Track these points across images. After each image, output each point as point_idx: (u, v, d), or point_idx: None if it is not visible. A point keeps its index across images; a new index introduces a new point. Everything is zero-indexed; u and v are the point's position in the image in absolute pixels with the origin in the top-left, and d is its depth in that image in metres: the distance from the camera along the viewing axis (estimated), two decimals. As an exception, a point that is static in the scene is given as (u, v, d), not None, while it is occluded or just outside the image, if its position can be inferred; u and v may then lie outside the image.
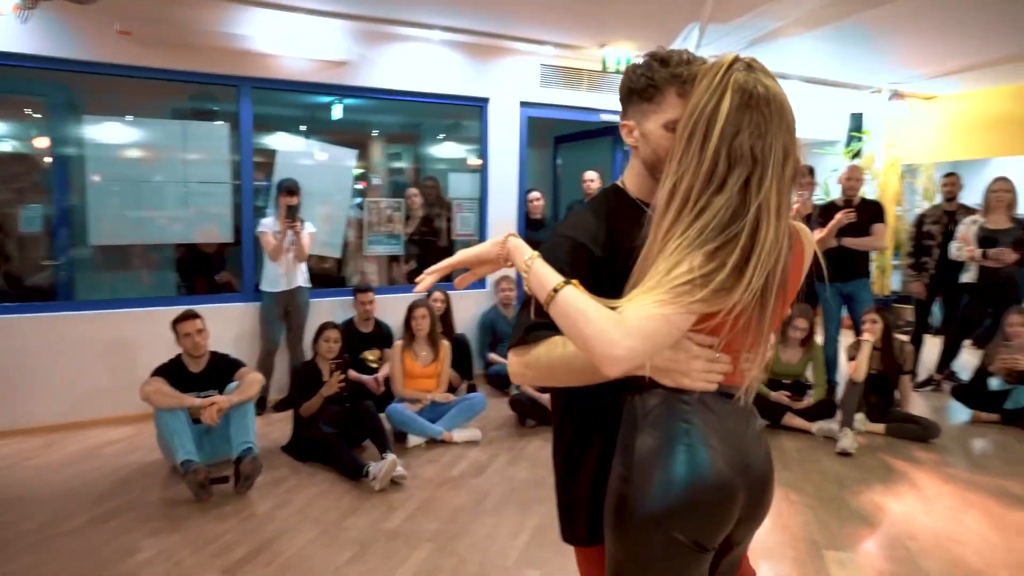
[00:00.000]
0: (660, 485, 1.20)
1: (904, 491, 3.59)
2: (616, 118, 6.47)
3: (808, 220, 5.22)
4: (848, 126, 8.52)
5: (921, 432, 4.37)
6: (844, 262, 5.10)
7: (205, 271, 5.53)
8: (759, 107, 1.19)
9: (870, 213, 5.11)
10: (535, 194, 6.31)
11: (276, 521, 3.26)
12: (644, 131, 1.40)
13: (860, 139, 8.18)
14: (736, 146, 1.18)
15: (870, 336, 4.49)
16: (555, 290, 1.17)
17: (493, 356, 5.72)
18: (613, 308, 1.13)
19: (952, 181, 5.75)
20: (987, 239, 5.22)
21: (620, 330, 1.08)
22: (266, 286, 4.99)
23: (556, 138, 7.64)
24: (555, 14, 5.22)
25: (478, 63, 5.86)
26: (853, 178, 5.20)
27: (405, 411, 4.31)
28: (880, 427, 4.48)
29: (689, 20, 5.36)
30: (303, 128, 6.13)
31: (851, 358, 4.58)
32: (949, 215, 5.67)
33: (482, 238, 6.13)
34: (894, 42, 6.13)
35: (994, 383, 4.83)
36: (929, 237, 5.68)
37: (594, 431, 1.41)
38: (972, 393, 4.90)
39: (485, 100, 5.97)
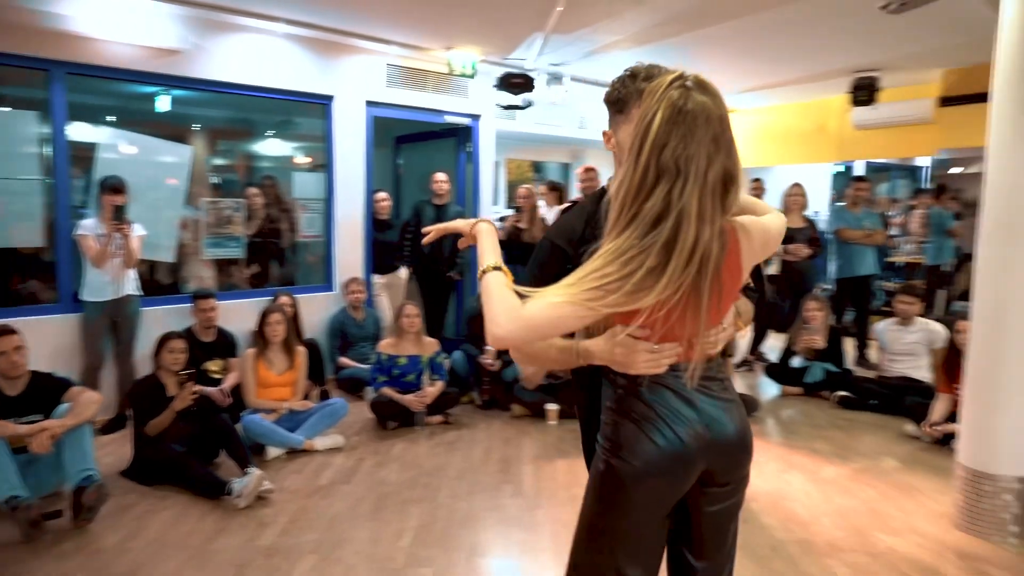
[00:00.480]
0: (628, 457, 1.43)
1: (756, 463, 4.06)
2: (459, 120, 6.68)
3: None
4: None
5: (747, 407, 4.93)
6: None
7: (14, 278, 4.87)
8: (685, 121, 1.31)
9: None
10: (382, 194, 6.25)
11: (131, 553, 2.98)
12: (618, 140, 1.58)
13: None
14: (663, 158, 1.31)
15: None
16: (483, 271, 1.39)
17: (344, 360, 5.59)
18: (525, 296, 1.30)
19: (757, 186, 6.53)
20: (786, 237, 5.98)
21: (509, 315, 1.29)
22: (88, 295, 4.49)
23: (397, 138, 7.59)
24: (402, 15, 5.22)
25: (323, 60, 5.69)
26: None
27: (263, 422, 4.10)
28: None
29: (534, 29, 5.60)
30: (128, 120, 5.57)
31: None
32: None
33: (329, 240, 5.96)
34: (707, 61, 6.82)
35: (796, 361, 5.56)
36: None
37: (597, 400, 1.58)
38: (779, 371, 5.62)
39: (330, 98, 5.81)
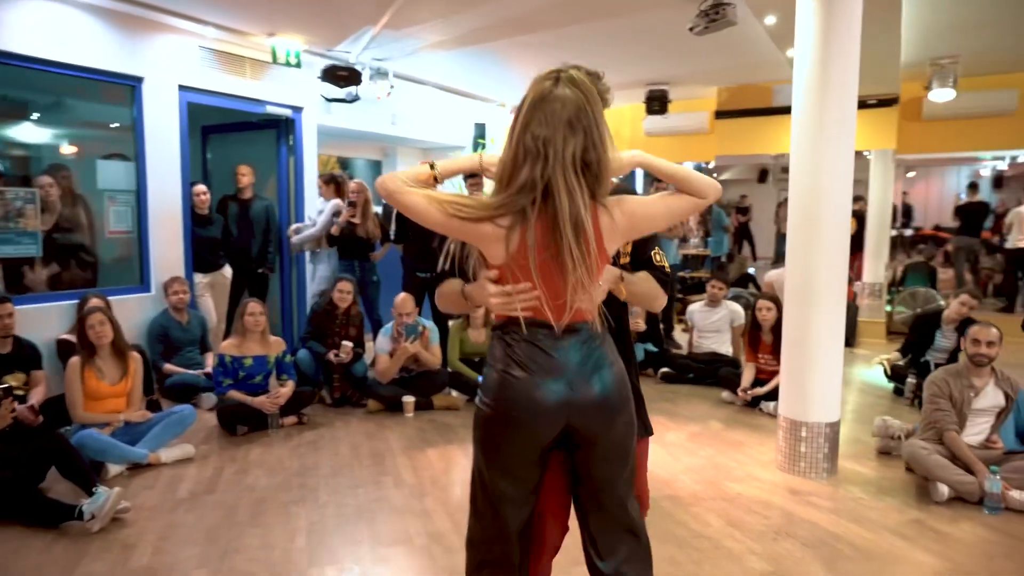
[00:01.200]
0: (488, 400, 1.63)
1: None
2: (281, 111, 6.37)
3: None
4: (473, 134, 9.66)
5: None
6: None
7: None
8: (544, 107, 1.54)
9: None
10: (200, 187, 5.77)
11: (-34, 597, 2.52)
12: None
13: (484, 146, 9.36)
14: (526, 139, 1.54)
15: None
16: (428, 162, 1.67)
17: (170, 367, 5.09)
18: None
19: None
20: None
21: (392, 181, 1.60)
22: None
23: (204, 128, 7.00)
24: (223, -7, 4.89)
25: (131, 37, 5.12)
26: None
27: (101, 437, 3.63)
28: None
29: (366, 22, 5.54)
30: None
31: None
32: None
33: (143, 236, 5.37)
34: (519, 67, 7.21)
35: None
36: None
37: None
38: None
39: (139, 80, 5.24)
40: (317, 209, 6.34)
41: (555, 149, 1.53)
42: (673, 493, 3.51)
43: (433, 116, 9.17)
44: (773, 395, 4.85)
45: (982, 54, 6.39)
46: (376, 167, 10.81)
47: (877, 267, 10.70)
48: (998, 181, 18.96)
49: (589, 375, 1.60)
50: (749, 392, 4.99)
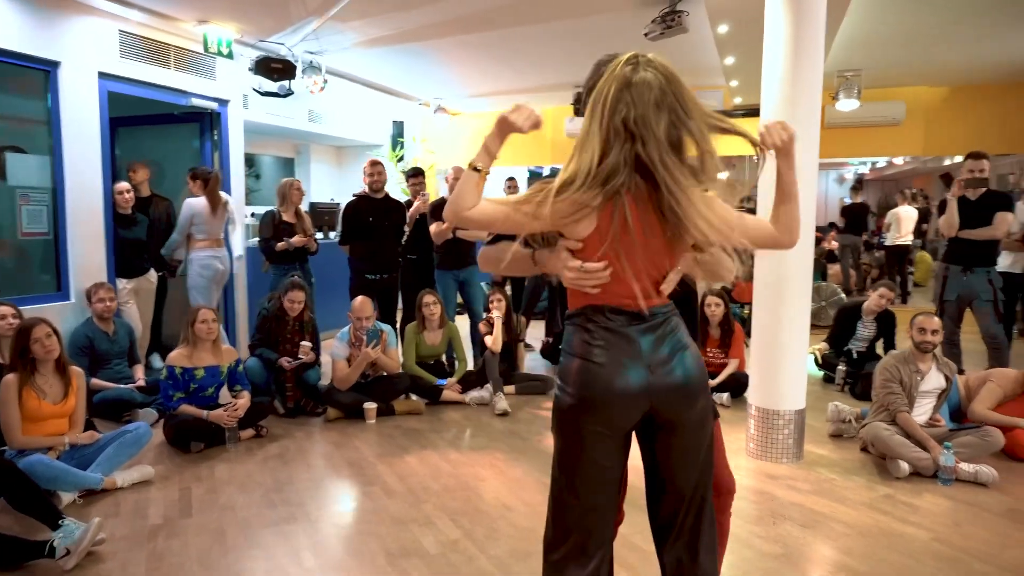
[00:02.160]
0: (569, 388, 1.64)
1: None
2: (207, 104, 5.96)
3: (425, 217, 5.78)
4: (392, 132, 9.49)
5: (543, 387, 5.40)
6: (458, 251, 5.84)
7: None
8: (631, 90, 1.55)
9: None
10: (123, 185, 5.30)
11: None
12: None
13: (403, 144, 9.22)
14: (615, 121, 1.55)
15: (498, 312, 5.31)
16: (470, 165, 1.66)
17: (97, 381, 4.64)
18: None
19: (513, 184, 7.08)
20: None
21: (450, 207, 1.63)
22: None
23: (113, 120, 6.41)
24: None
25: (45, 17, 4.63)
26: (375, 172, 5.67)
27: (53, 463, 3.26)
28: (511, 388, 5.33)
29: (311, 14, 5.30)
30: None
31: (485, 333, 5.32)
32: (513, 212, 6.98)
33: (60, 237, 4.86)
34: (457, 65, 7.18)
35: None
36: (501, 230, 6.88)
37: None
38: (555, 350, 6.22)
39: (55, 64, 4.75)
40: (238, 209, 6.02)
41: (650, 129, 1.54)
42: (664, 485, 3.61)
43: (352, 113, 8.91)
44: (723, 387, 5.12)
45: (880, 69, 7.01)
46: (287, 165, 10.35)
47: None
48: (859, 183, 20.82)
49: (669, 359, 1.63)
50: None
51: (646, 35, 4.88)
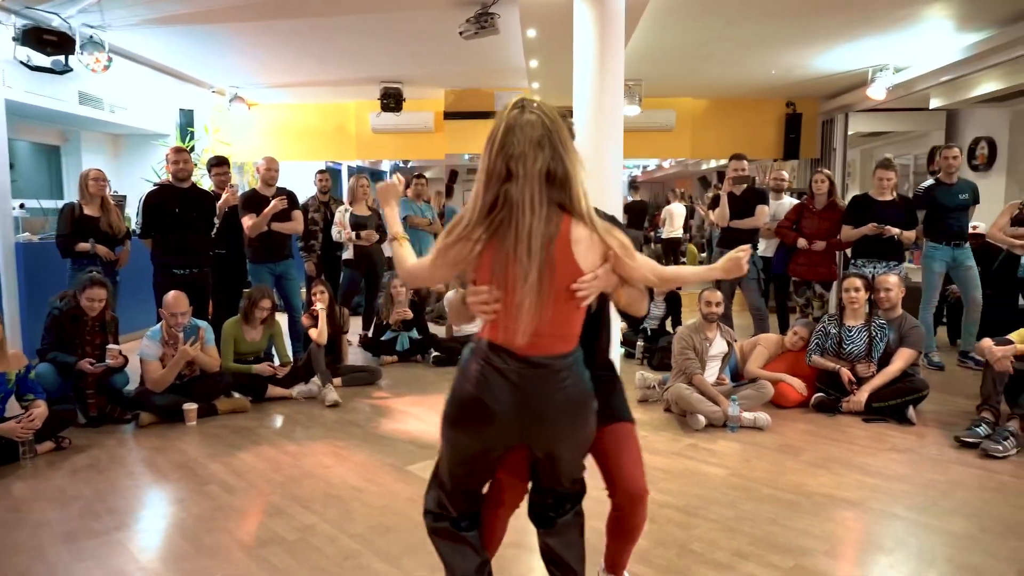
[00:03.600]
0: (453, 405, 1.82)
1: (399, 416, 4.54)
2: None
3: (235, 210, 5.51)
4: (179, 121, 8.84)
5: (370, 377, 5.41)
6: (274, 244, 5.64)
7: None
8: (515, 132, 1.70)
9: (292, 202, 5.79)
10: None
11: None
12: None
13: (193, 134, 8.62)
14: (498, 162, 1.70)
15: (322, 304, 5.23)
16: (393, 238, 2.05)
17: None
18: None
19: (325, 178, 6.95)
20: (358, 224, 6.60)
21: (403, 271, 1.98)
22: None
23: None
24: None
25: None
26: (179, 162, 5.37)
27: None
28: (338, 380, 5.28)
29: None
30: None
31: (309, 326, 5.21)
32: (325, 205, 6.85)
33: None
34: (255, 51, 6.86)
35: (388, 335, 6.25)
36: (314, 223, 6.72)
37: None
38: (374, 343, 6.23)
39: None
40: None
41: (524, 167, 1.68)
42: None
43: (133, 98, 8.16)
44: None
45: (657, 80, 7.92)
46: (51, 154, 9.13)
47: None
48: (633, 184, 22.98)
49: (552, 410, 1.76)
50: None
51: (461, 34, 5.10)
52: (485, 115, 8.45)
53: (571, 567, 2.00)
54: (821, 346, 4.73)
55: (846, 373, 4.55)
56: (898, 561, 2.67)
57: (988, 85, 6.60)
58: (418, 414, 4.62)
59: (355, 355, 6.33)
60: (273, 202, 5.43)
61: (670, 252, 11.41)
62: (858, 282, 4.69)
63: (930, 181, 5.86)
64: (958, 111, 8.00)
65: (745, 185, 5.98)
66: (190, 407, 4.37)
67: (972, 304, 5.62)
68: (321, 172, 7.05)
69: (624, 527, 2.15)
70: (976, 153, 7.93)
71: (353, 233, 6.45)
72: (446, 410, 1.84)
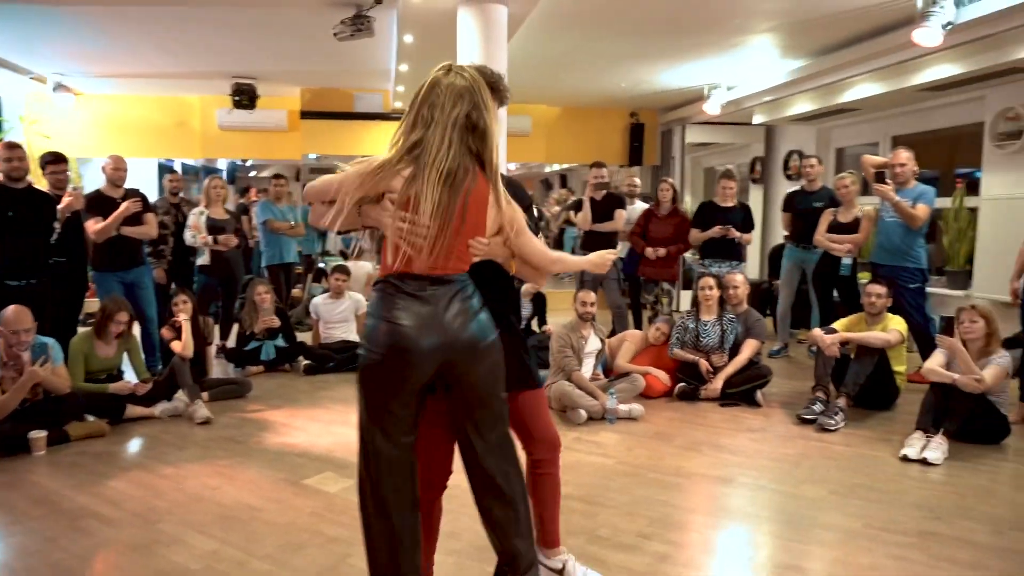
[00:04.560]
0: (369, 345, 1.90)
1: (280, 429, 4.37)
2: None
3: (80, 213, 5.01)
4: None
5: (239, 389, 5.14)
6: (124, 250, 5.20)
7: None
8: (437, 89, 1.92)
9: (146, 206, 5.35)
10: None
11: None
12: None
13: (2, 126, 7.69)
14: (422, 111, 1.91)
15: (185, 315, 4.90)
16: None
17: None
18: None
19: (177, 178, 6.47)
20: (215, 227, 6.22)
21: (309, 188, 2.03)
22: None
23: None
24: None
25: None
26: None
27: None
28: (205, 395, 4.95)
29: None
30: None
31: (171, 339, 4.86)
32: (176, 207, 6.38)
33: None
34: (99, 36, 6.24)
35: (253, 345, 5.95)
36: (165, 227, 6.23)
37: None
38: (237, 354, 5.91)
39: None
40: None
41: (444, 113, 1.88)
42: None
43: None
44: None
45: (516, 87, 8.16)
46: None
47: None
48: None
49: (461, 323, 1.91)
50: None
51: (335, 35, 5.00)
52: (344, 116, 8.27)
53: (514, 498, 2.05)
54: (681, 340, 5.19)
55: (704, 364, 5.03)
56: (775, 526, 3.05)
57: (802, 106, 7.52)
58: (300, 425, 4.48)
59: (216, 367, 5.97)
60: (125, 204, 5.00)
61: (554, 246, 11.78)
62: (712, 281, 5.20)
63: (794, 187, 6.54)
64: (775, 127, 9.02)
65: (605, 191, 6.37)
66: (38, 435, 3.92)
67: (813, 301, 6.35)
68: (172, 172, 6.56)
69: (550, 482, 2.32)
70: (789, 164, 8.99)
71: (210, 237, 6.08)
72: (364, 360, 1.90)
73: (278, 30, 5.98)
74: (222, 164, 14.73)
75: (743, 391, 4.93)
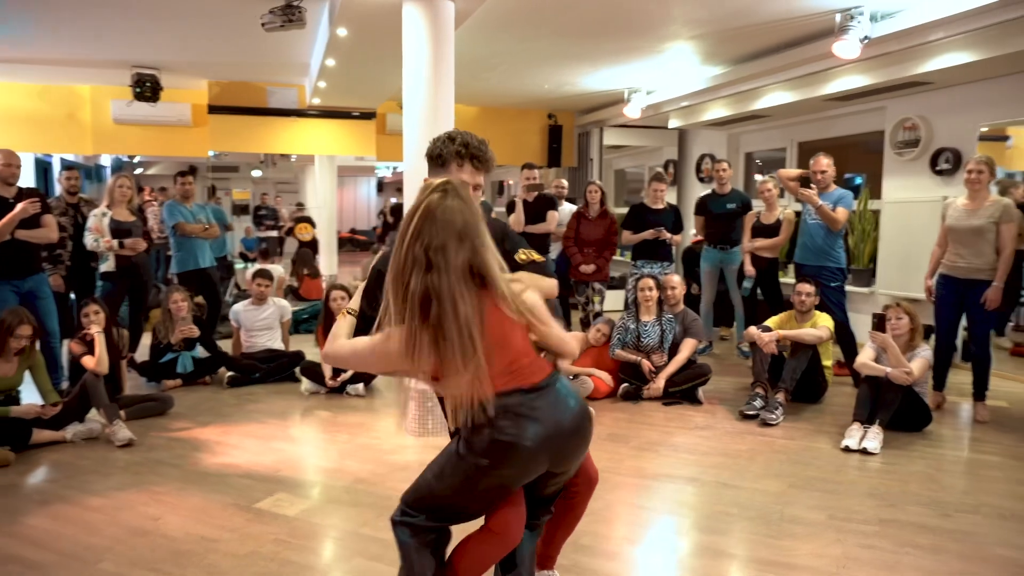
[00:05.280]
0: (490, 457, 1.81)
1: (216, 448, 4.05)
2: None
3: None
4: None
5: (161, 406, 4.73)
6: (19, 257, 4.66)
7: None
8: (435, 220, 1.71)
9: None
10: None
11: None
12: None
13: None
14: (416, 248, 1.71)
15: (98, 327, 4.45)
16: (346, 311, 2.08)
17: None
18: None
19: (74, 175, 5.87)
20: (120, 230, 5.69)
21: (331, 345, 1.96)
22: None
23: None
24: None
25: None
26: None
27: None
28: (123, 414, 4.52)
29: None
30: None
31: (81, 354, 4.40)
32: (75, 208, 5.80)
33: None
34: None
35: (168, 356, 5.49)
36: (61, 229, 5.64)
37: None
38: (154, 366, 5.44)
39: None
40: None
41: (446, 259, 1.70)
42: (364, 478, 3.65)
43: None
44: (356, 378, 5.30)
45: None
46: None
47: (331, 261, 12.01)
48: (380, 186, 23.10)
49: (564, 419, 1.86)
50: (338, 379, 5.27)
51: (263, 25, 4.69)
52: (256, 111, 7.82)
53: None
54: (622, 340, 5.25)
55: (647, 364, 5.10)
56: (748, 523, 3.11)
57: (716, 112, 7.82)
58: (237, 443, 4.17)
59: (136, 380, 5.48)
60: (21, 205, 4.48)
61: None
62: (651, 282, 5.28)
63: (707, 191, 6.73)
64: (688, 130, 9.35)
65: (536, 192, 6.35)
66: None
67: (735, 301, 6.61)
68: (68, 169, 5.95)
69: (576, 512, 2.24)
70: (702, 167, 9.34)
71: (115, 241, 5.57)
72: (489, 467, 1.82)
73: (186, 17, 5.55)
74: (106, 160, 13.65)
75: (685, 389, 5.05)
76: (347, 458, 3.96)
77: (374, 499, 3.37)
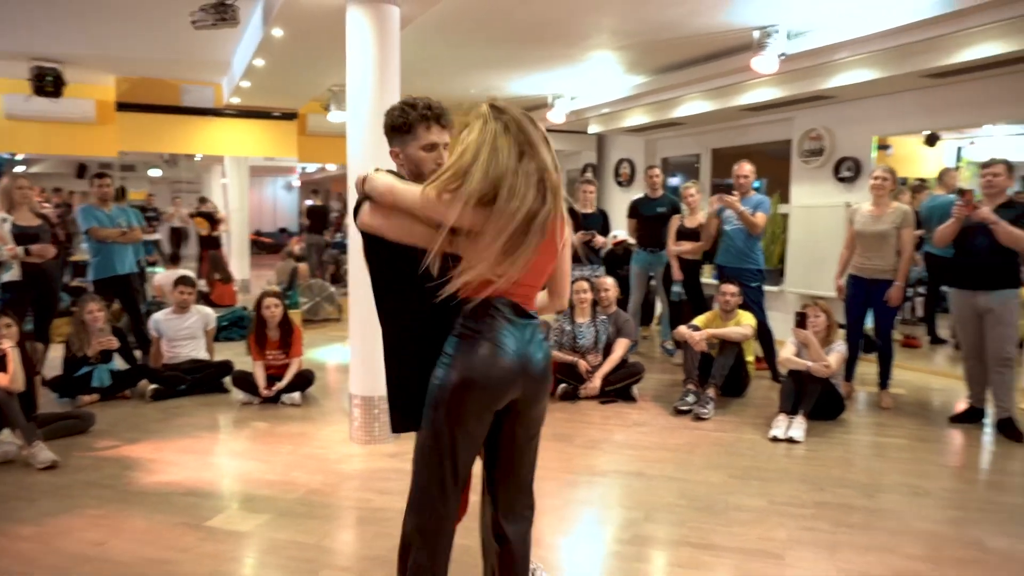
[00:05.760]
0: (462, 368, 1.85)
1: (151, 466, 3.86)
2: None
3: None
4: None
5: (82, 424, 4.46)
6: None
7: None
8: (510, 133, 1.81)
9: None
10: None
11: None
12: (406, 154, 1.99)
13: None
14: (499, 155, 1.78)
15: (10, 341, 4.14)
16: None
17: None
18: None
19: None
20: (25, 236, 5.31)
21: (370, 181, 1.89)
22: None
23: None
24: None
25: None
26: None
27: None
28: (40, 433, 4.22)
29: None
30: None
31: (-5, 370, 4.09)
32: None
33: None
34: None
35: (83, 370, 5.16)
36: (-43, 236, 5.20)
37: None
38: (65, 383, 5.10)
39: None
40: None
41: (533, 148, 1.80)
42: (316, 488, 3.58)
43: None
44: (292, 387, 5.17)
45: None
46: None
47: (243, 265, 11.58)
48: (289, 187, 22.40)
49: (536, 352, 1.94)
50: (274, 388, 5.11)
51: (193, 23, 4.50)
52: (168, 109, 7.45)
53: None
54: (559, 341, 5.37)
55: (583, 364, 5.25)
56: (698, 513, 3.28)
57: (636, 118, 8.11)
58: (172, 460, 4.00)
59: (48, 397, 5.11)
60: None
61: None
62: (585, 284, 5.44)
63: (639, 195, 6.92)
64: (607, 136, 9.63)
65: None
66: None
67: (660, 301, 6.86)
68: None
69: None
70: (620, 171, 9.65)
71: (19, 249, 5.20)
72: (453, 390, 1.83)
73: (89, 6, 5.23)
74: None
75: (620, 388, 5.23)
76: (294, 469, 3.87)
77: (331, 510, 3.33)
